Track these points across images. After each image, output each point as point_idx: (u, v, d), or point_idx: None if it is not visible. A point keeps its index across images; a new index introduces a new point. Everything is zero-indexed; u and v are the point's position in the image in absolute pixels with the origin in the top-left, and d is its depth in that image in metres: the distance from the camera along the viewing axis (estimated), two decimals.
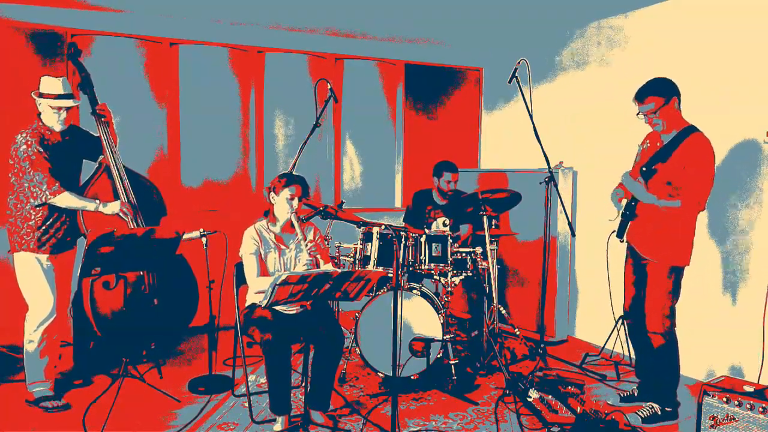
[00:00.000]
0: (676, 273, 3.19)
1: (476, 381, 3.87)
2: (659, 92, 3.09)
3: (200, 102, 5.02)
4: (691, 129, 3.11)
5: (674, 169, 3.08)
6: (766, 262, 3.48)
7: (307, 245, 3.16)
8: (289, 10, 4.63)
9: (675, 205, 3.05)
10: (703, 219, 3.78)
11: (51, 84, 3.28)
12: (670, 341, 3.23)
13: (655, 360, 3.30)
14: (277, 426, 3.04)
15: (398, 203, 5.90)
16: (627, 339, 3.76)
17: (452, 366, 3.75)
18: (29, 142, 3.20)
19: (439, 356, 3.66)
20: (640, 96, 3.14)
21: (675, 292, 3.21)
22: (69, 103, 3.31)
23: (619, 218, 3.33)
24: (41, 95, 3.28)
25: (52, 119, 3.30)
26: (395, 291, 2.78)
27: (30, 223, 3.27)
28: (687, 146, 3.06)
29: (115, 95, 4.30)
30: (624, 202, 3.32)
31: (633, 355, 3.58)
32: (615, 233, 3.40)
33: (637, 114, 3.18)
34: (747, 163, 3.60)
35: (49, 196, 3.23)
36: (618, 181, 3.37)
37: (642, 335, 3.33)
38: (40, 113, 3.33)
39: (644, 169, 3.18)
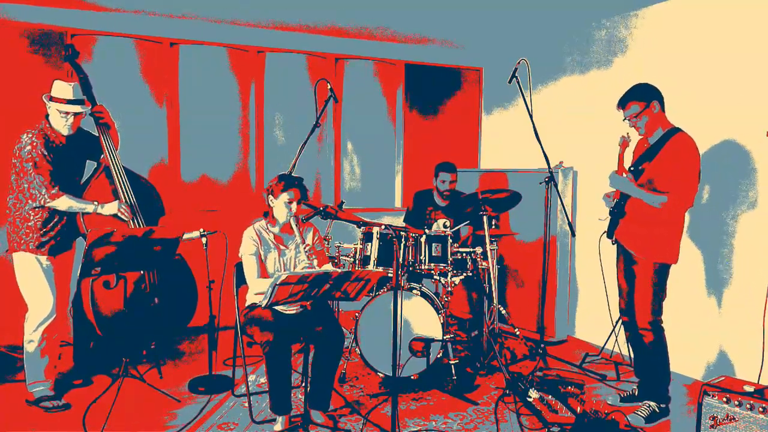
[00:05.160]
0: (663, 270, 3.25)
1: (476, 381, 3.88)
2: (639, 97, 3.20)
3: (200, 102, 5.02)
4: (675, 130, 3.21)
5: (660, 168, 3.16)
6: (764, 262, 3.49)
7: (305, 248, 3.15)
8: (289, 10, 4.64)
9: (662, 200, 3.12)
10: (698, 219, 3.78)
11: (62, 89, 3.28)
12: (659, 338, 3.29)
13: (648, 356, 3.36)
14: (277, 426, 3.04)
15: (398, 203, 5.90)
16: (627, 338, 3.77)
17: (452, 366, 3.75)
18: (34, 144, 3.20)
19: (439, 356, 3.66)
20: (622, 102, 3.27)
21: (661, 289, 3.26)
22: (77, 108, 3.31)
23: (609, 217, 3.39)
24: (51, 98, 3.28)
25: (60, 123, 3.31)
26: (395, 291, 2.78)
27: (29, 223, 3.27)
28: (671, 145, 3.16)
29: (115, 95, 4.31)
30: (613, 201, 3.38)
31: (632, 354, 3.59)
32: (605, 234, 3.44)
33: (623, 120, 3.29)
34: (743, 164, 3.61)
35: (47, 200, 3.24)
36: None
37: (635, 332, 3.37)
38: (48, 115, 3.33)
39: (632, 168, 3.29)
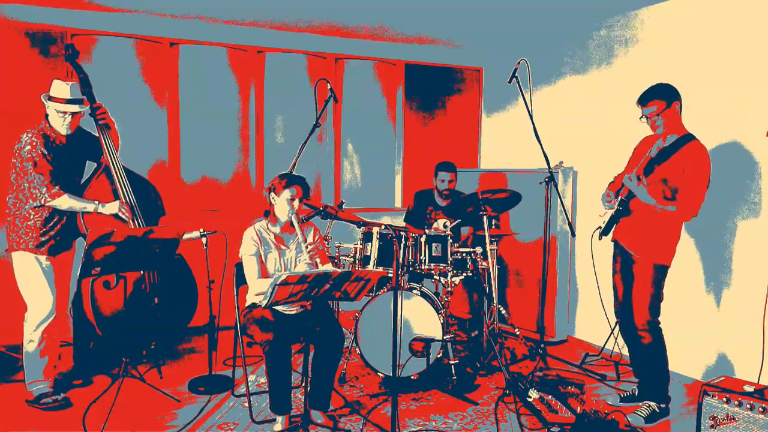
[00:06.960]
0: (661, 271, 3.26)
1: (476, 381, 3.88)
2: (662, 96, 3.17)
3: (200, 102, 5.02)
4: (690, 137, 3.19)
5: (671, 171, 3.15)
6: (763, 262, 3.48)
7: (307, 247, 3.15)
8: (289, 10, 4.64)
9: (671, 210, 3.14)
10: (697, 219, 3.77)
11: (60, 88, 3.28)
12: (657, 338, 3.30)
13: (646, 357, 3.36)
14: (277, 426, 3.04)
15: (398, 203, 5.90)
16: (624, 339, 3.77)
17: (452, 366, 3.75)
18: (34, 143, 3.20)
19: (439, 356, 3.66)
20: (644, 99, 3.22)
21: (659, 290, 3.27)
22: (75, 108, 3.32)
23: (609, 215, 3.37)
24: (50, 98, 3.28)
25: (58, 123, 3.31)
26: (395, 291, 2.78)
27: (29, 223, 3.27)
28: (685, 153, 3.14)
29: (115, 95, 4.31)
30: (618, 199, 3.35)
31: (630, 355, 3.59)
32: (600, 230, 3.42)
33: (640, 117, 3.25)
34: (743, 165, 3.61)
35: (48, 199, 3.24)
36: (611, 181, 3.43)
37: (633, 333, 3.37)
38: (47, 114, 3.33)
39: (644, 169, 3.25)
